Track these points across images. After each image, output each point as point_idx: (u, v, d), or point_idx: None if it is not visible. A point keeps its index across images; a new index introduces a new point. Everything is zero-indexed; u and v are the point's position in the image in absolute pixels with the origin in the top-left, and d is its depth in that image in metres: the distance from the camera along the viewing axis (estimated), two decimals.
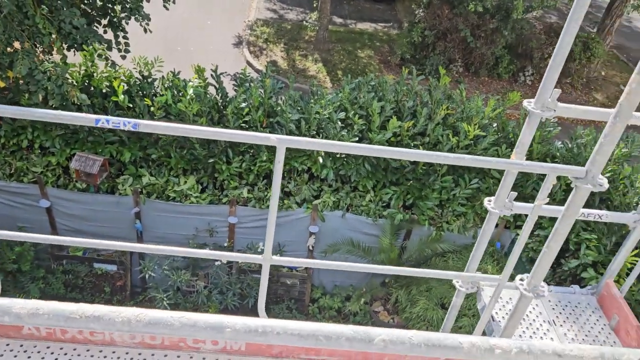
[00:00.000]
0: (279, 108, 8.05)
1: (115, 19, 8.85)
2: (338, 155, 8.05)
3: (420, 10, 15.67)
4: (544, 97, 2.62)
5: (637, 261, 3.55)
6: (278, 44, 16.25)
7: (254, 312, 8.48)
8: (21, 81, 7.59)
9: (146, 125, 2.02)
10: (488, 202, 3.05)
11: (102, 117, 2.03)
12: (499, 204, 2.99)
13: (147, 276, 7.82)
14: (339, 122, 7.88)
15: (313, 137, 7.99)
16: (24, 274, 7.77)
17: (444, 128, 7.96)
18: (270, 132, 7.90)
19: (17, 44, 7.57)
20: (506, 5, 14.57)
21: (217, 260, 8.18)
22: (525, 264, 7.57)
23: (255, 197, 7.92)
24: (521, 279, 2.66)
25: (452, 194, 8.08)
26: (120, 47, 9.07)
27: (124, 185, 7.89)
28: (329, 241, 8.34)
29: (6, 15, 7.11)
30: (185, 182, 7.96)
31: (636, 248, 5.67)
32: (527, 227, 2.47)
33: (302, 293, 8.85)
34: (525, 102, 2.68)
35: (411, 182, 8.17)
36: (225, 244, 8.20)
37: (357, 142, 7.93)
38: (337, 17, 18.39)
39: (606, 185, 2.18)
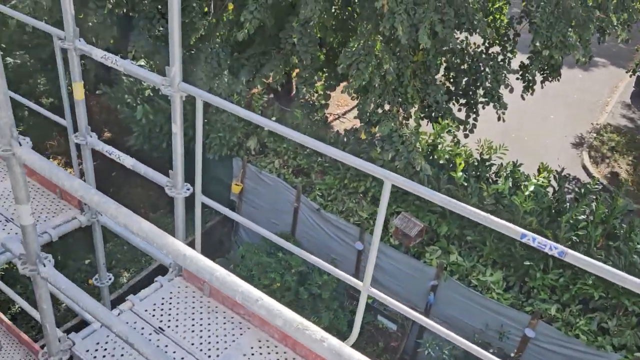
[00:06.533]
0: (622, 232, 7.06)
1: (472, 101, 9.26)
2: None
3: None
4: None
5: None
6: (626, 156, 14.55)
7: None
8: (378, 138, 8.55)
9: (573, 256, 1.87)
10: None
11: (529, 234, 1.97)
12: None
13: (426, 353, 7.73)
14: None
15: None
16: (323, 300, 8.61)
17: None
18: (605, 255, 6.98)
19: (386, 107, 8.59)
20: None
21: None
22: None
23: (563, 320, 7.05)
24: None
25: None
26: (467, 126, 9.42)
27: (431, 256, 8.04)
28: None
29: (387, 82, 8.14)
30: (492, 274, 7.64)
31: None
32: None
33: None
34: None
35: None
36: (512, 354, 7.50)
37: None
38: None
39: None
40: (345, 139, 9.58)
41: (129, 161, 3.51)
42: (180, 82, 2.99)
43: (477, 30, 7.91)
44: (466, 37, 9.07)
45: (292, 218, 9.36)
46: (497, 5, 9.97)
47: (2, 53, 9.42)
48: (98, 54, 3.26)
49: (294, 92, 12.49)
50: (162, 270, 8.59)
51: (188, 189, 3.33)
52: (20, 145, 2.26)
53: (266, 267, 8.50)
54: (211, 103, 3.05)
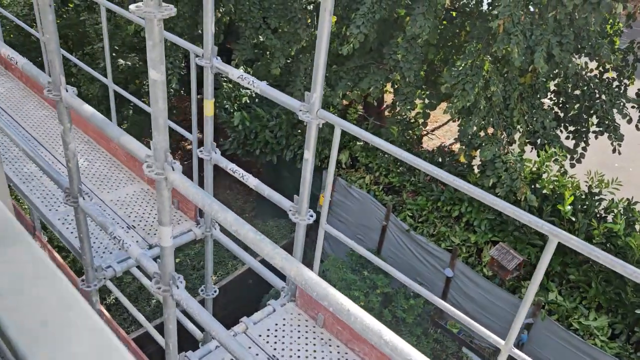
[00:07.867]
0: None
1: (583, 129, 8.66)
2: None
3: None
4: None
5: None
6: None
7: None
8: (479, 162, 8.17)
9: None
10: None
11: None
12: None
13: None
14: None
15: None
16: (406, 324, 8.34)
17: None
18: None
19: (489, 130, 8.20)
20: None
21: None
22: None
23: None
24: None
25: None
26: (575, 155, 8.83)
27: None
28: None
29: (492, 104, 7.77)
30: (596, 319, 7.07)
31: None
32: None
33: None
34: None
35: None
36: None
37: None
38: None
39: None
40: (440, 159, 9.28)
41: (252, 181, 3.48)
42: (320, 109, 2.90)
43: (601, 55, 7.36)
44: (585, 63, 8.50)
45: (379, 236, 9.17)
46: (615, 28, 9.29)
47: (119, 60, 9.91)
48: (235, 74, 3.25)
49: (384, 106, 12.30)
50: (250, 274, 8.66)
51: (311, 216, 3.24)
52: (173, 170, 2.24)
53: (350, 285, 8.35)
54: (348, 132, 2.94)
